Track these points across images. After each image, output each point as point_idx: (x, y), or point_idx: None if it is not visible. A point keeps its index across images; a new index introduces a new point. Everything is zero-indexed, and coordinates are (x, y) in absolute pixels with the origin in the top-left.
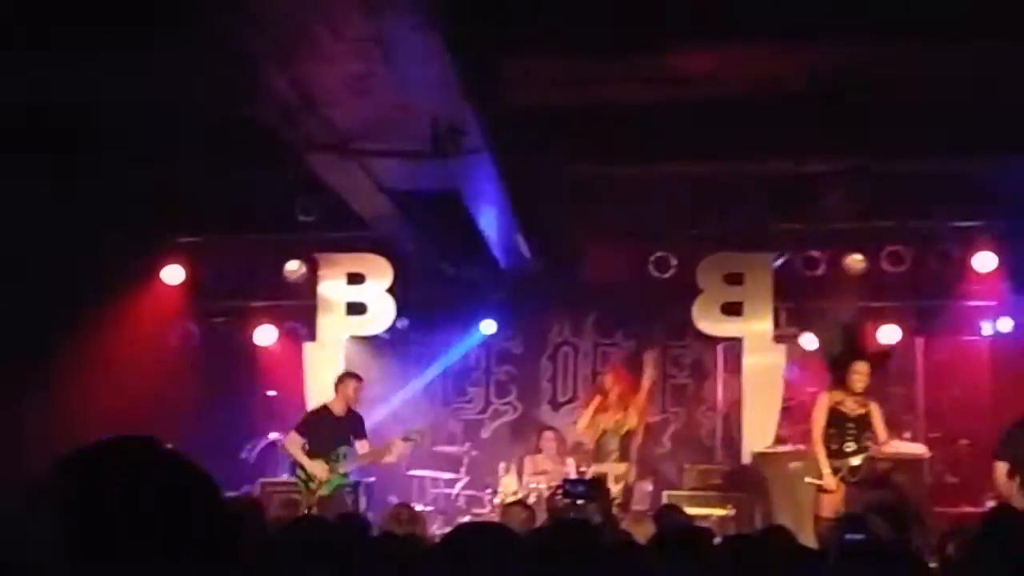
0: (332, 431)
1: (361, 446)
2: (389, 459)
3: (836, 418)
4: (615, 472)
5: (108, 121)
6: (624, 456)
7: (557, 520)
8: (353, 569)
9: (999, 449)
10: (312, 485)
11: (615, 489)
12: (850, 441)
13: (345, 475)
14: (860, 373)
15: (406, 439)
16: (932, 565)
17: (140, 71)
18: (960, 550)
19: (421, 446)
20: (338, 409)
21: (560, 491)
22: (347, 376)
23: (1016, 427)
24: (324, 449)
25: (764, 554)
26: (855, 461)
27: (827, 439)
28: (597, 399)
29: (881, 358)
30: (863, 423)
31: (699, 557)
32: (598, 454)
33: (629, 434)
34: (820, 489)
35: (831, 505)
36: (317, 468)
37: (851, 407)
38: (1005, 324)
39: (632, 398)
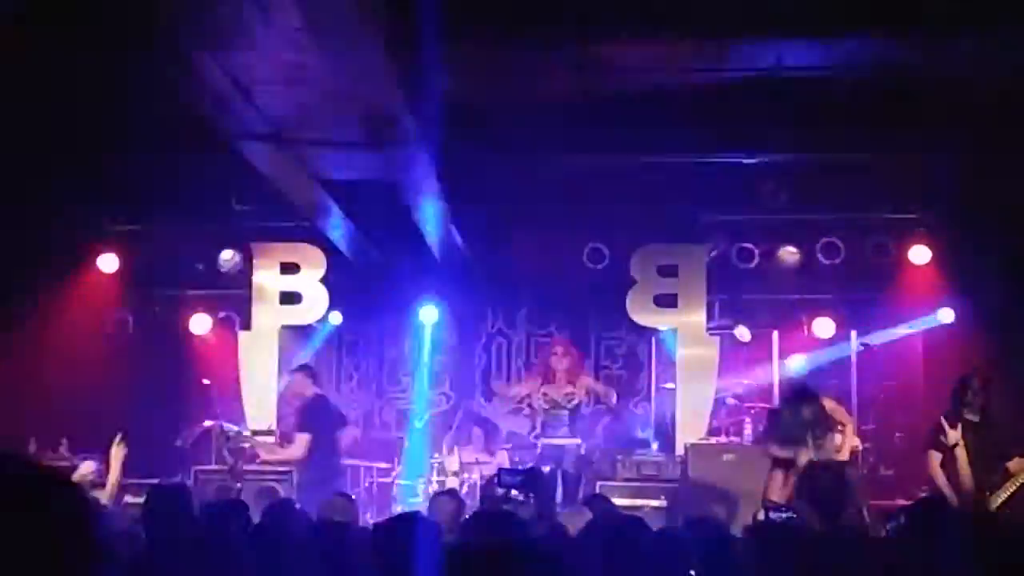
0: None
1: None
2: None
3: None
4: (569, 444)
5: (42, 110)
6: (574, 432)
7: (481, 512)
8: (283, 555)
9: (931, 439)
10: None
11: (572, 468)
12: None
13: None
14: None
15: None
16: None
17: (75, 59)
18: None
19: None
20: None
21: (496, 481)
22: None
23: (950, 413)
24: None
25: (693, 545)
26: (804, 458)
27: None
28: (540, 373)
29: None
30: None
31: (628, 549)
32: (546, 428)
33: (578, 408)
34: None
35: (781, 491)
36: None
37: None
38: (946, 315)
39: (579, 374)
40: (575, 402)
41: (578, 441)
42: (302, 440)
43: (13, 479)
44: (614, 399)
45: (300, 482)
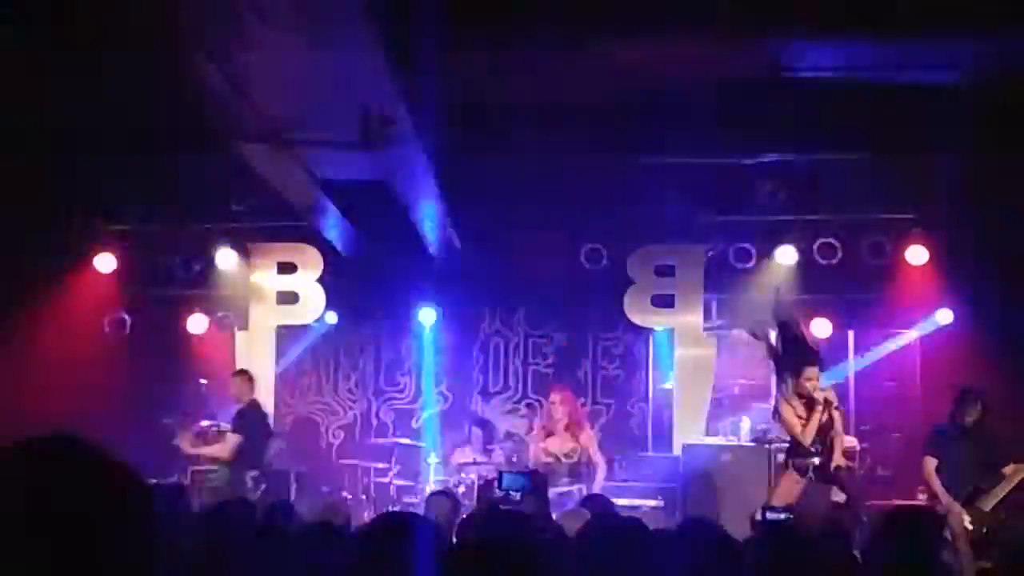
0: None
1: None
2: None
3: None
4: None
5: (40, 112)
6: (576, 480)
7: (487, 510)
8: (276, 555)
9: (928, 445)
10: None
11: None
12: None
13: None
14: (812, 380)
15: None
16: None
17: (72, 62)
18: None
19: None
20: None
21: (497, 483)
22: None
23: (944, 425)
24: None
25: (688, 546)
26: (818, 460)
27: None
28: (543, 426)
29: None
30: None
31: (625, 550)
32: (549, 479)
33: (580, 462)
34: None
35: (785, 497)
36: None
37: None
38: (944, 316)
39: (580, 428)
40: (575, 459)
41: (577, 487)
42: (232, 440)
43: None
44: (602, 466)
45: (218, 482)
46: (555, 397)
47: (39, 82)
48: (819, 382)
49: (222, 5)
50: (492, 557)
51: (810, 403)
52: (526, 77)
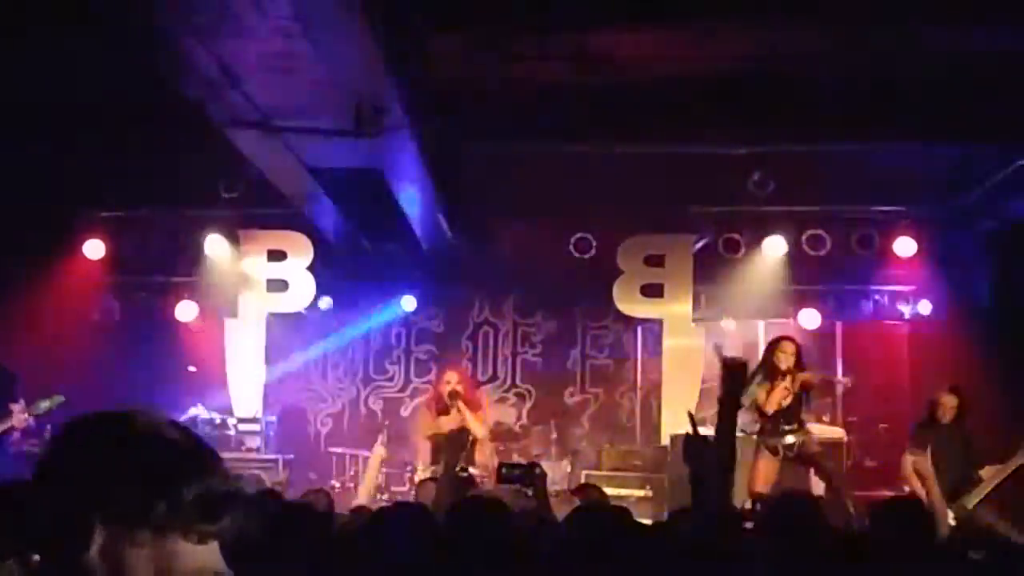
0: None
1: None
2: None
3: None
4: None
5: (29, 96)
6: (470, 460)
7: (470, 497)
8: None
9: (909, 443)
10: None
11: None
12: (783, 423)
13: None
14: (785, 352)
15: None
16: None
17: (62, 46)
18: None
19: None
20: None
21: (498, 476)
22: None
23: (923, 424)
24: None
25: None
26: (789, 439)
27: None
28: (432, 400)
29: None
30: (792, 408)
31: (611, 538)
32: (436, 458)
33: (474, 442)
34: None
35: (766, 481)
36: None
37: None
38: (924, 307)
39: (472, 406)
40: (471, 437)
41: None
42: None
43: None
44: (485, 444)
45: None
46: (450, 376)
47: (29, 65)
48: (792, 358)
49: None
50: (475, 541)
51: (774, 372)
52: (518, 65)
